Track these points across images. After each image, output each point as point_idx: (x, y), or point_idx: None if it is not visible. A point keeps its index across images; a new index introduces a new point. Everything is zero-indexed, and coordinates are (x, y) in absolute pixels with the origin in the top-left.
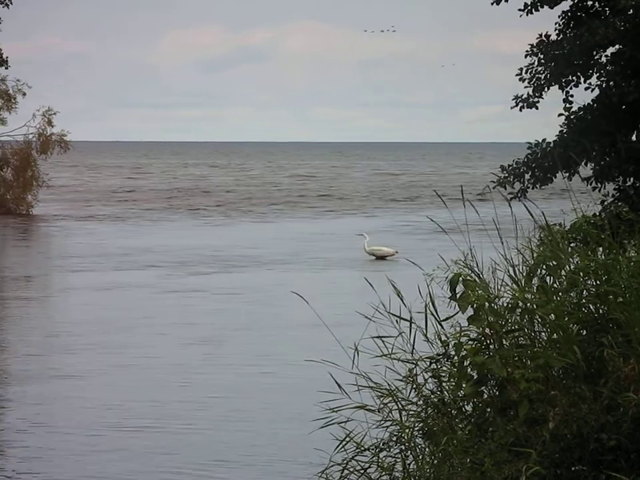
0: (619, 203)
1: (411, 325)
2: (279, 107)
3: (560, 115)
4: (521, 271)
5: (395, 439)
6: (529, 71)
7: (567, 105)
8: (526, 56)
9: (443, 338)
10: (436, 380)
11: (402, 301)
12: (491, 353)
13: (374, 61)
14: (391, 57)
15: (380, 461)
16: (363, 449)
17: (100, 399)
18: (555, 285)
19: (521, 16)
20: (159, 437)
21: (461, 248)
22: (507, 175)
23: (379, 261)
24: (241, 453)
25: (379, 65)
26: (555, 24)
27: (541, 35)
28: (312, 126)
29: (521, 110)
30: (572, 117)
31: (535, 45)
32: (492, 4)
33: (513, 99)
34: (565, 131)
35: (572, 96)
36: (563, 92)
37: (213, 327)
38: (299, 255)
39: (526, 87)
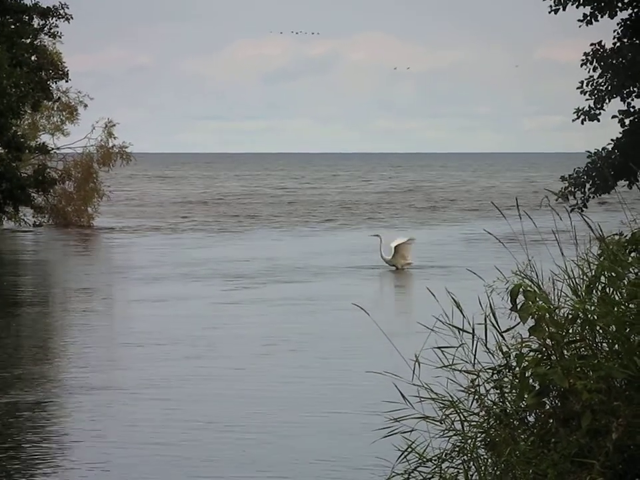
0: None
1: (473, 336)
2: (341, 119)
3: (620, 120)
4: (580, 282)
5: (457, 449)
6: (590, 83)
7: (622, 117)
8: (582, 65)
9: (504, 349)
10: (498, 391)
11: (461, 312)
12: (553, 364)
13: (436, 72)
14: (453, 68)
15: (442, 471)
16: (425, 459)
17: (160, 410)
18: (615, 296)
19: (580, 26)
20: (218, 447)
21: (518, 259)
22: (567, 185)
23: (439, 270)
24: (302, 462)
25: (440, 76)
26: (614, 32)
27: (594, 44)
28: (373, 137)
29: (582, 123)
30: (631, 126)
31: (589, 53)
32: (549, 12)
33: (575, 112)
34: (624, 140)
35: (633, 107)
36: (624, 103)
37: (273, 338)
38: (361, 265)
39: (587, 99)
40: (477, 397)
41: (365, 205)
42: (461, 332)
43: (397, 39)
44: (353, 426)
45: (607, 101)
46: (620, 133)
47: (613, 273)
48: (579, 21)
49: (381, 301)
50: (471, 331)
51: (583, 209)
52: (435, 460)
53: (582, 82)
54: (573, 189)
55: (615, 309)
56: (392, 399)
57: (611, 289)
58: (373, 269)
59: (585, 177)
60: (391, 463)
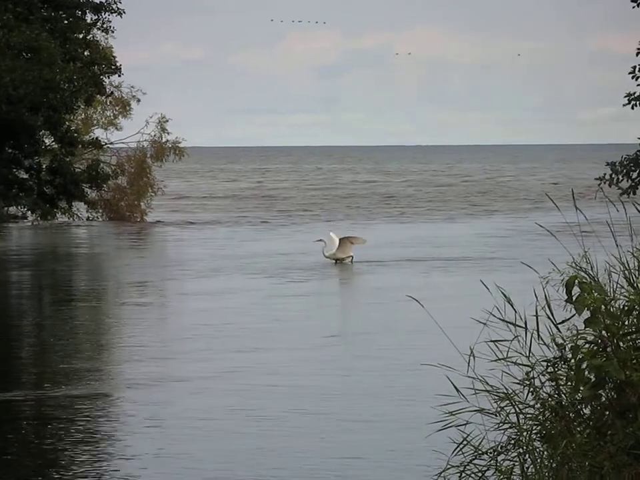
0: None
1: (526, 329)
2: (393, 112)
3: None
4: (636, 273)
5: (512, 442)
6: None
7: None
8: (637, 54)
9: (559, 341)
10: (553, 383)
11: (512, 305)
12: (609, 356)
13: (489, 64)
14: (506, 59)
15: (498, 464)
16: (480, 452)
17: (216, 403)
18: None
19: (633, 7)
20: (279, 439)
21: (571, 251)
22: (613, 172)
23: (492, 263)
24: (355, 455)
25: (493, 68)
26: None
27: None
28: (426, 130)
29: (632, 108)
30: None
31: None
32: (633, 7)
33: (625, 97)
34: None
35: None
36: None
37: (328, 331)
38: (417, 257)
39: (639, 84)
40: (532, 389)
41: (420, 199)
42: (514, 325)
43: (448, 31)
44: (408, 419)
45: None
46: None
47: None
48: (631, 1)
49: (435, 293)
50: (524, 324)
51: (632, 195)
52: (491, 452)
53: (634, 67)
54: (620, 177)
55: None
56: (446, 392)
57: None
58: (428, 260)
59: (632, 165)
60: (446, 455)
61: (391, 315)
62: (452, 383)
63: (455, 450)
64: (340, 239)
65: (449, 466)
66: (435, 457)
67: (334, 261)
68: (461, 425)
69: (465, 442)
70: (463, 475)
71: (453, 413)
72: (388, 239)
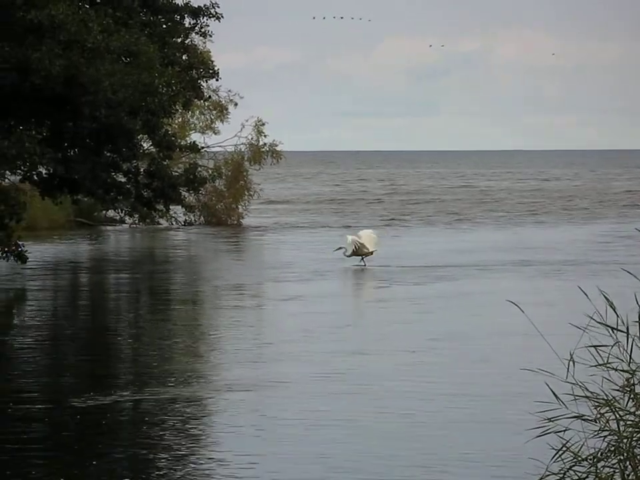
0: None
1: (628, 334)
2: (488, 116)
3: None
4: None
5: (612, 449)
6: None
7: None
8: None
9: None
10: None
11: (614, 310)
12: None
13: (584, 68)
14: (604, 62)
15: (598, 471)
16: (580, 458)
17: (312, 406)
18: None
19: None
20: (374, 443)
21: None
22: None
23: (593, 268)
24: (453, 461)
25: (590, 72)
26: None
27: None
28: (522, 134)
29: None
30: None
31: None
32: None
33: None
34: None
35: None
36: None
37: (425, 335)
38: (517, 262)
39: None
40: (632, 395)
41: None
42: (616, 330)
43: (544, 34)
44: (506, 424)
45: None
46: None
47: None
48: None
49: (535, 298)
50: (626, 329)
51: None
52: (590, 459)
53: None
54: None
55: None
56: (545, 398)
57: None
58: (529, 265)
59: None
60: (545, 462)
61: (490, 319)
62: (550, 388)
63: (554, 456)
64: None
65: (548, 473)
66: (533, 464)
67: (360, 258)
68: (559, 432)
69: (564, 448)
70: None
71: (552, 419)
72: (488, 242)
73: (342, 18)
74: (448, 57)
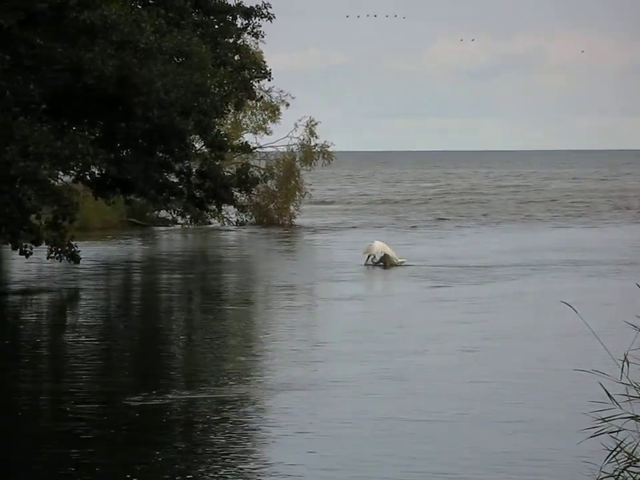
0: None
1: None
2: (539, 116)
3: None
4: None
5: None
6: None
7: None
8: None
9: None
10: None
11: None
12: None
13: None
14: None
15: None
16: (634, 459)
17: (364, 407)
18: None
19: None
20: (421, 442)
21: None
22: None
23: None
24: (506, 462)
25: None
26: None
27: None
28: (575, 135)
29: None
30: None
31: None
32: None
33: None
34: None
35: None
36: None
37: (478, 336)
38: (572, 261)
39: None
40: None
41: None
42: None
43: (600, 35)
44: (559, 425)
45: None
46: None
47: None
48: None
49: (590, 298)
50: None
51: None
52: None
53: None
54: None
55: None
56: (599, 399)
57: None
58: (583, 265)
59: None
60: (599, 463)
61: (545, 319)
62: (605, 389)
63: (607, 457)
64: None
65: (601, 474)
66: (587, 464)
67: (382, 264)
68: (613, 432)
69: (618, 449)
70: None
71: (606, 420)
72: (543, 242)
73: (375, 16)
74: (498, 58)
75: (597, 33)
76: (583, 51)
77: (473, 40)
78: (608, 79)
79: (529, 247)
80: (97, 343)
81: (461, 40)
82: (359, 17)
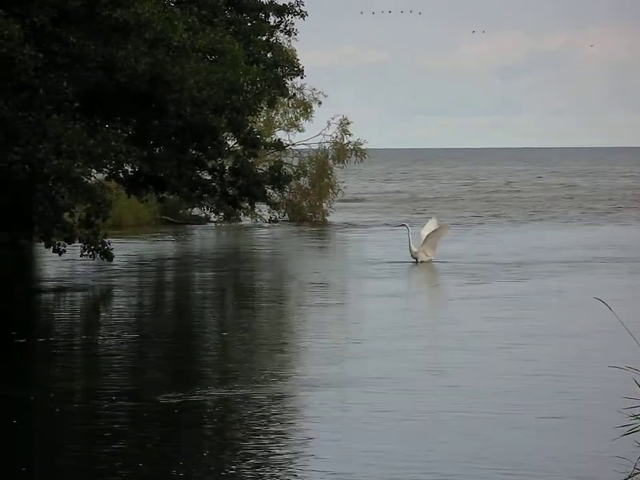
0: None
1: None
2: (573, 113)
3: None
4: None
5: None
6: None
7: None
8: None
9: None
10: None
11: None
12: None
13: None
14: None
15: None
16: None
17: (399, 405)
18: None
19: None
20: (455, 440)
21: None
22: None
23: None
24: (541, 459)
25: None
26: None
27: None
28: (607, 131)
29: None
30: None
31: None
32: None
33: None
34: None
35: None
36: None
37: (512, 332)
38: (608, 259)
39: None
40: None
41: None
42: None
43: (632, 31)
44: (593, 422)
45: None
46: None
47: None
48: None
49: (625, 295)
50: None
51: None
52: None
53: None
54: None
55: None
56: (633, 395)
57: None
58: (617, 262)
59: None
60: (633, 460)
61: (581, 316)
62: (639, 385)
63: None
64: (427, 235)
65: (636, 470)
66: (621, 462)
67: (414, 260)
68: None
69: None
70: None
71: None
72: (578, 239)
73: (390, 12)
74: (533, 54)
75: (633, 29)
76: (591, 45)
77: (483, 32)
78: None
79: (564, 244)
80: (130, 340)
81: (473, 31)
82: (373, 13)
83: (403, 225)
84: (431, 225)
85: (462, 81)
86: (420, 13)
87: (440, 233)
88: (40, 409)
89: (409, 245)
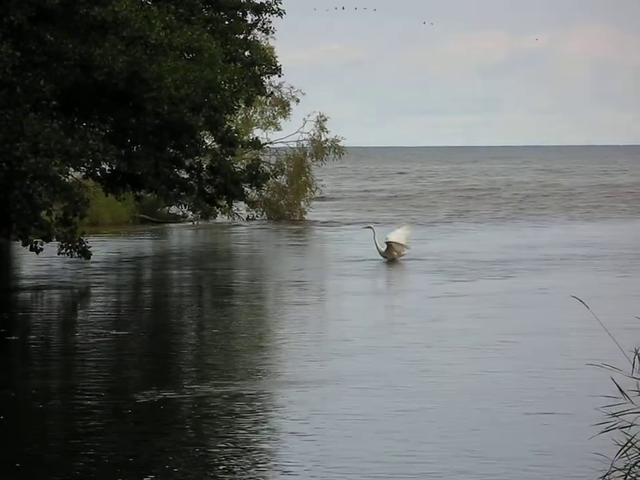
0: None
1: None
2: (556, 112)
3: None
4: None
5: None
6: None
7: None
8: None
9: None
10: None
11: None
12: None
13: None
14: None
15: None
16: None
17: (375, 403)
18: None
19: None
20: (434, 437)
21: None
22: None
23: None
24: (520, 454)
25: None
26: None
27: None
28: (590, 130)
29: None
30: None
31: None
32: None
33: None
34: None
35: None
36: None
37: (492, 331)
38: (583, 257)
39: None
40: None
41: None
42: None
43: (614, 30)
44: (570, 420)
45: None
46: None
47: None
48: None
49: (602, 293)
50: None
51: None
52: None
53: None
54: None
55: None
56: (610, 394)
57: None
58: (594, 260)
59: None
60: (610, 458)
61: (558, 314)
62: (616, 383)
63: (619, 452)
64: (388, 243)
65: (613, 468)
66: (598, 459)
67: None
68: (625, 427)
69: (629, 444)
70: (628, 477)
71: (617, 415)
72: (553, 237)
73: (343, 8)
74: (515, 53)
75: (615, 29)
76: (536, 39)
77: (432, 24)
78: (625, 75)
79: (544, 242)
80: (109, 338)
81: (424, 22)
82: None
83: (369, 227)
84: (400, 231)
85: (443, 79)
86: (374, 10)
87: (404, 232)
88: (15, 409)
89: (375, 245)
